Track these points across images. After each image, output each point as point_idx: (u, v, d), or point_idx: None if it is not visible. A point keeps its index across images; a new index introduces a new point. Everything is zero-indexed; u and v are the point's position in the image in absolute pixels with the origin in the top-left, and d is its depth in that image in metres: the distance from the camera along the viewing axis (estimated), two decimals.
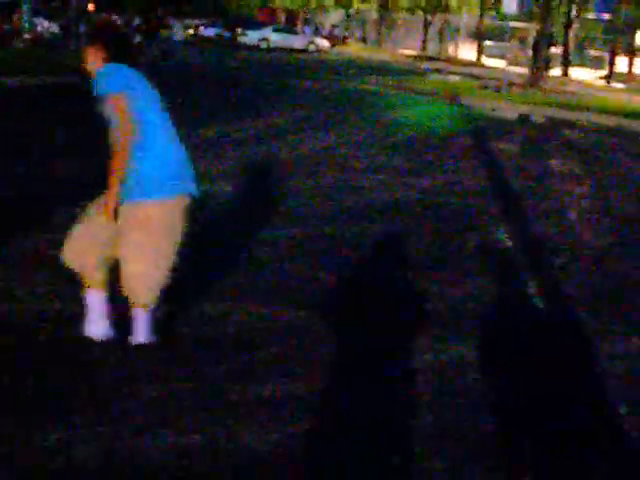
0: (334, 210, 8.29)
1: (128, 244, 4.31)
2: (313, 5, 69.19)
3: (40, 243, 6.25)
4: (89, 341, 4.54)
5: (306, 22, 69.78)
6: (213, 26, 57.15)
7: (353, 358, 4.78)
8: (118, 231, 4.32)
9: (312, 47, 52.82)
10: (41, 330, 4.76)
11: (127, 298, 4.45)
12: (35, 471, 3.38)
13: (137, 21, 37.78)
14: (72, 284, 4.74)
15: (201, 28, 56.76)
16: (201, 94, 19.68)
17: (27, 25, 32.03)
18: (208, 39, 55.08)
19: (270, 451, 3.61)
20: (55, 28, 39.66)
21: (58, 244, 4.55)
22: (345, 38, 63.10)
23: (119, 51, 4.43)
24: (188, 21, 59.23)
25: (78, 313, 4.63)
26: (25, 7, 31.95)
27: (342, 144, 12.90)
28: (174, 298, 5.40)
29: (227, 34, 55.01)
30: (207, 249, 6.60)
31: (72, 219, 4.64)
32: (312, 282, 6.03)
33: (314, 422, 3.93)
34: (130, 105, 4.25)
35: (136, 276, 4.33)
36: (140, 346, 4.49)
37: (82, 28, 29.73)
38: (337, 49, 55.53)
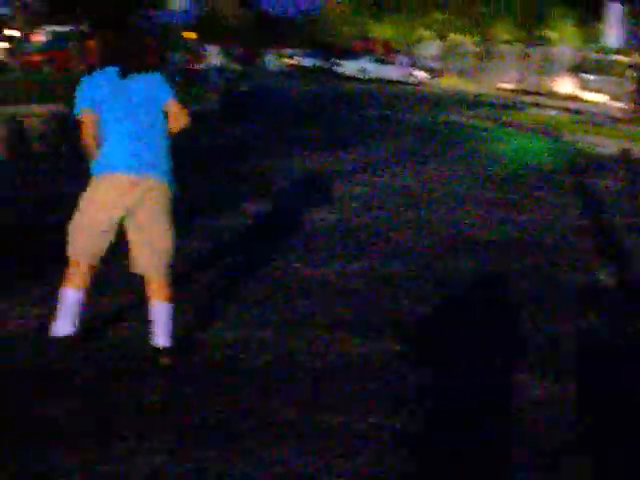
0: (432, 243, 8.27)
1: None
2: (411, 36, 69.29)
3: None
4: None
5: (403, 53, 69.97)
6: (311, 56, 57.90)
7: (445, 393, 4.73)
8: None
9: (410, 79, 52.92)
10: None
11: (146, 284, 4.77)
12: None
13: (239, 52, 38.50)
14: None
15: (299, 58, 57.50)
16: (298, 125, 19.93)
17: None
18: (306, 69, 55.76)
19: None
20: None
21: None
22: (442, 70, 63.07)
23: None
24: (283, 50, 59.97)
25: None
26: None
27: (439, 177, 12.88)
28: (270, 326, 5.50)
29: (325, 64, 55.56)
30: (306, 279, 6.68)
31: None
32: (409, 315, 6.00)
33: (405, 455, 3.91)
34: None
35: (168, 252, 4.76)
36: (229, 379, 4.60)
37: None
38: (434, 81, 55.50)
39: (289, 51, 58.99)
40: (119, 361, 4.82)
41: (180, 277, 6.54)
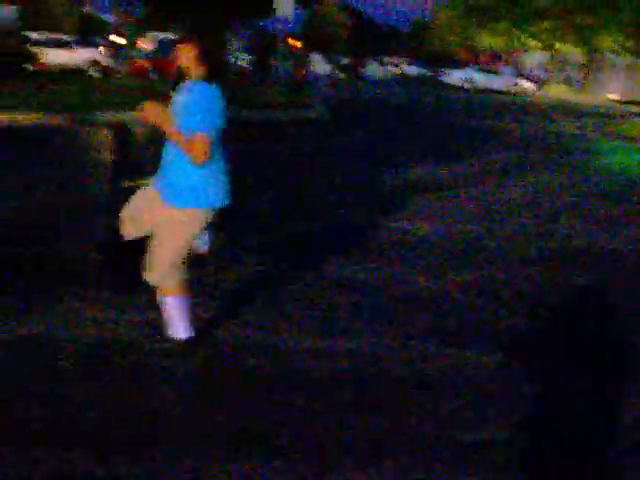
0: (535, 255, 8.28)
1: (162, 237, 4.70)
2: (516, 46, 68.64)
3: None
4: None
5: (508, 63, 69.29)
6: (416, 65, 57.80)
7: (550, 407, 4.73)
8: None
9: (515, 88, 52.42)
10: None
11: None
12: None
13: (343, 60, 38.74)
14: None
15: (404, 66, 57.48)
16: (404, 135, 20.01)
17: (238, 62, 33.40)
18: (411, 77, 55.64)
19: None
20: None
21: None
22: (548, 80, 62.25)
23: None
24: (387, 59, 59.90)
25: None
26: (237, 45, 33.38)
27: (545, 188, 12.81)
28: (371, 337, 5.63)
29: (430, 73, 55.41)
30: (406, 289, 6.79)
31: None
32: (508, 328, 6.02)
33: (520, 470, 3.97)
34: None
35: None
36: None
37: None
38: (540, 91, 54.78)
39: (394, 59, 59.02)
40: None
41: (282, 280, 6.79)
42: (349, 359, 5.14)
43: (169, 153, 4.59)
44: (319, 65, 32.15)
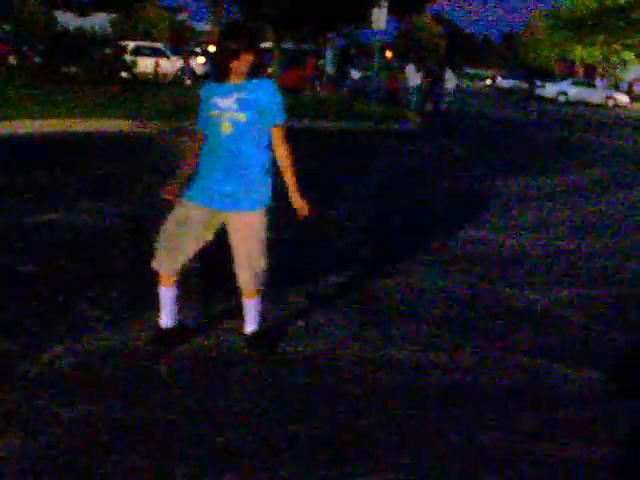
0: (629, 274, 8.13)
1: (257, 244, 4.80)
2: (613, 59, 67.46)
3: None
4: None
5: (604, 76, 68.19)
6: (511, 77, 57.28)
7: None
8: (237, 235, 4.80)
9: (611, 102, 51.58)
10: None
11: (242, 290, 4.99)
12: None
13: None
14: None
15: (498, 79, 57.06)
16: (497, 148, 19.90)
17: (330, 72, 33.55)
18: (504, 90, 55.18)
19: None
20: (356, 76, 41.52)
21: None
22: None
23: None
24: (481, 70, 59.39)
25: None
26: (329, 55, 33.56)
27: (634, 205, 12.56)
28: (470, 349, 5.61)
29: (524, 86, 54.88)
30: (510, 304, 6.74)
31: None
32: (607, 345, 5.91)
33: None
34: None
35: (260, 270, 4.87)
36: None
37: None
38: (637, 105, 53.78)
39: (488, 71, 58.76)
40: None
41: (370, 288, 6.80)
42: (445, 372, 5.13)
43: (242, 159, 4.67)
44: (412, 76, 32.03)
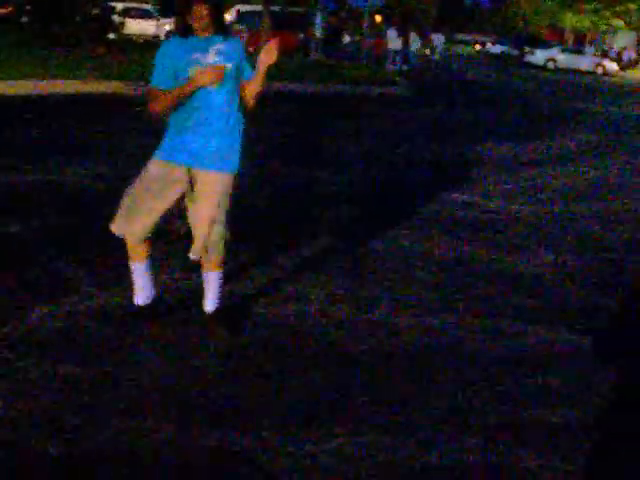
0: (624, 237, 8.12)
1: (219, 208, 4.51)
2: (602, 27, 67.26)
3: None
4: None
5: (592, 43, 68.01)
6: (500, 43, 57.09)
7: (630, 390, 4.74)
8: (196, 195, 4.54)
9: (599, 69, 51.49)
10: None
11: (203, 261, 4.73)
12: None
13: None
14: None
15: (488, 45, 56.84)
16: (487, 113, 19.86)
17: (319, 36, 33.35)
18: (493, 56, 55.01)
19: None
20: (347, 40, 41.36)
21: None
22: (635, 62, 60.91)
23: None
24: (471, 36, 59.21)
25: None
26: (319, 18, 33.34)
27: (634, 170, 12.58)
28: (452, 313, 5.62)
29: (514, 52, 54.73)
30: (493, 268, 6.75)
31: None
32: (595, 310, 5.93)
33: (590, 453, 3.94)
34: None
35: (222, 236, 4.58)
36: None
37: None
38: (626, 73, 53.71)
39: (476, 37, 58.58)
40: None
41: (360, 254, 6.81)
42: (431, 335, 5.14)
43: (220, 117, 4.47)
44: (393, 41, 32.15)
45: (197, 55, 4.38)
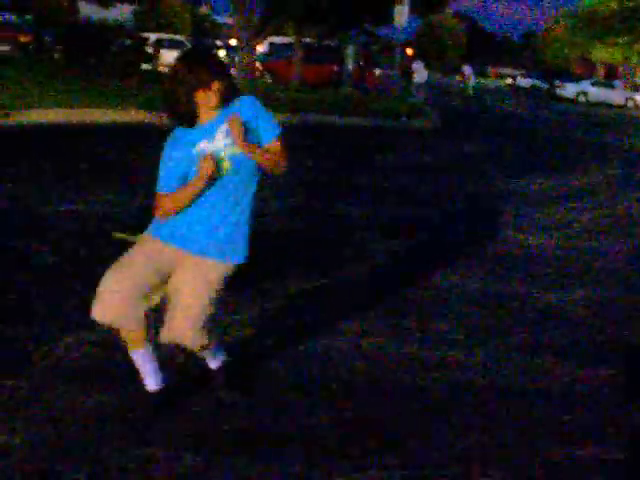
0: None
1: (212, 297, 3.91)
2: (633, 60, 67.02)
3: None
4: None
5: (624, 77, 67.76)
6: (530, 77, 57.05)
7: None
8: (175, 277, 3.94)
9: (630, 103, 51.33)
10: None
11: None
12: None
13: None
14: None
15: (518, 78, 56.85)
16: (515, 146, 19.85)
17: (351, 68, 33.56)
18: (523, 89, 54.95)
19: None
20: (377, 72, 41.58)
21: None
22: None
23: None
24: (501, 69, 59.24)
25: None
26: (350, 51, 33.53)
27: None
28: (484, 349, 5.59)
29: (543, 85, 54.68)
30: (523, 304, 6.72)
31: None
32: (626, 346, 5.89)
33: None
34: None
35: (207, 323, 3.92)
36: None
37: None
38: None
39: (505, 70, 58.66)
40: None
41: (399, 289, 6.80)
42: (460, 370, 5.11)
43: (242, 199, 3.95)
44: (419, 73, 32.35)
45: (204, 144, 3.83)
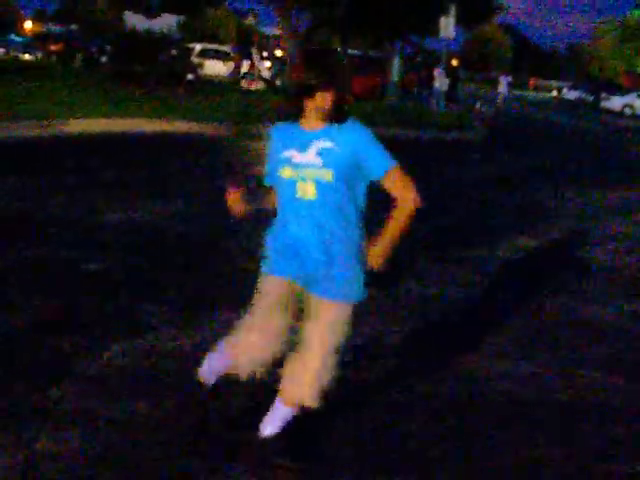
0: None
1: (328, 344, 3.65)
2: None
3: None
4: None
5: None
6: (576, 89, 56.63)
7: None
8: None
9: None
10: None
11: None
12: None
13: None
14: None
15: (564, 90, 56.44)
16: (563, 159, 19.69)
17: (396, 79, 33.53)
18: (568, 102, 54.53)
19: None
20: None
21: None
22: None
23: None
24: (547, 82, 58.90)
25: None
26: (395, 63, 33.52)
27: None
28: (535, 362, 5.51)
29: (589, 98, 54.22)
30: (578, 318, 6.63)
31: None
32: None
33: None
34: None
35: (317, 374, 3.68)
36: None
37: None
38: None
39: (550, 82, 58.34)
40: None
41: (458, 305, 6.74)
42: (507, 384, 5.04)
43: (319, 237, 3.54)
44: (440, 80, 32.18)
45: (292, 152, 3.50)
